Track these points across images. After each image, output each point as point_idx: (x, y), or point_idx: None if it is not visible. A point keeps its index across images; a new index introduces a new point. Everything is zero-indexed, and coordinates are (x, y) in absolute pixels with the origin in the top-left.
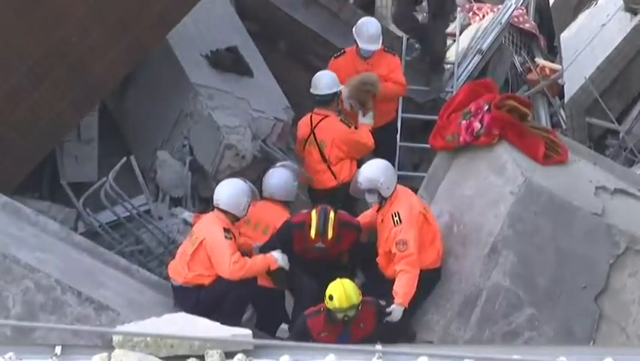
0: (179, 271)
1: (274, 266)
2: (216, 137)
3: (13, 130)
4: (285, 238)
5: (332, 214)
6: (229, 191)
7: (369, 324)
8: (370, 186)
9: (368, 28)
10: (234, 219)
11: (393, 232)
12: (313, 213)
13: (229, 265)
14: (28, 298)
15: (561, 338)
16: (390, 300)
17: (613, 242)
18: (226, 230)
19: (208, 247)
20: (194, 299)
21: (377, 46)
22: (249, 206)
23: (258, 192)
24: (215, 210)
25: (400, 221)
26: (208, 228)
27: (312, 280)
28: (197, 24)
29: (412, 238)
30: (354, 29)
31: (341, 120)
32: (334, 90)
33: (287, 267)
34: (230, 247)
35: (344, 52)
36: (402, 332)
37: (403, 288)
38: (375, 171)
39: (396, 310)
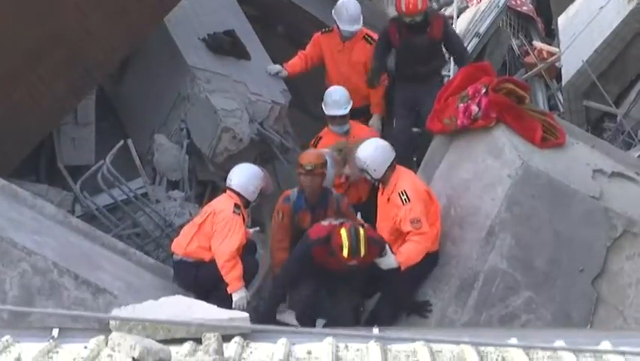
0: (181, 243)
1: (230, 291)
2: (214, 120)
3: (10, 113)
4: (304, 258)
5: (362, 232)
6: (241, 173)
7: None
8: (359, 165)
9: (347, 9)
10: (245, 203)
11: (404, 210)
12: (343, 232)
13: (220, 243)
14: (25, 281)
15: (558, 321)
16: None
17: (610, 225)
18: (236, 206)
19: (216, 217)
20: (193, 275)
21: (358, 26)
22: (260, 191)
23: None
24: (227, 190)
25: (409, 199)
26: (219, 202)
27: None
28: (195, 7)
29: (422, 214)
30: (333, 11)
31: (312, 143)
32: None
33: (239, 309)
34: (236, 224)
35: (331, 29)
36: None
37: (408, 252)
38: (363, 152)
39: (389, 260)
